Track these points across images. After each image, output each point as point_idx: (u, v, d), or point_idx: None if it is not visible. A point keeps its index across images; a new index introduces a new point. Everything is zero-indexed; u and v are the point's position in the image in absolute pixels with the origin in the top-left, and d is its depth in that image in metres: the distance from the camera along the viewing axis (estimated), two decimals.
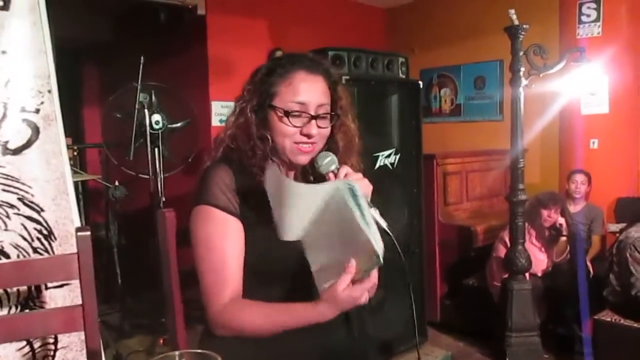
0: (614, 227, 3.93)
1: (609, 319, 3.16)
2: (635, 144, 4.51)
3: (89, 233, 1.23)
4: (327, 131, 1.34)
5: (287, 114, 1.27)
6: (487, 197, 4.47)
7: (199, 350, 0.87)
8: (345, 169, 1.25)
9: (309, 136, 1.28)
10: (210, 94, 4.83)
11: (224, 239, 1.26)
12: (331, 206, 1.13)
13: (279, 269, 1.28)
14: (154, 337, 3.54)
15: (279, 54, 5.32)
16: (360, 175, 1.26)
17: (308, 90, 1.29)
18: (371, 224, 1.09)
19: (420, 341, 2.66)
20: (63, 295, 1.65)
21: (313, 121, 1.28)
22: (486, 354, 3.60)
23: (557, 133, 4.85)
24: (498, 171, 4.49)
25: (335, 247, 1.14)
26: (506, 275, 3.51)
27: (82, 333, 1.25)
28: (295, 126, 1.27)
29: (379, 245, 1.07)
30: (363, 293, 1.13)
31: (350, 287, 1.12)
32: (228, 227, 1.26)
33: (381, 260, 1.08)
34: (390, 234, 1.16)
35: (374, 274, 1.14)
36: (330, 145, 1.36)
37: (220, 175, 1.29)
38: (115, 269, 3.81)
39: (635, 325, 3.04)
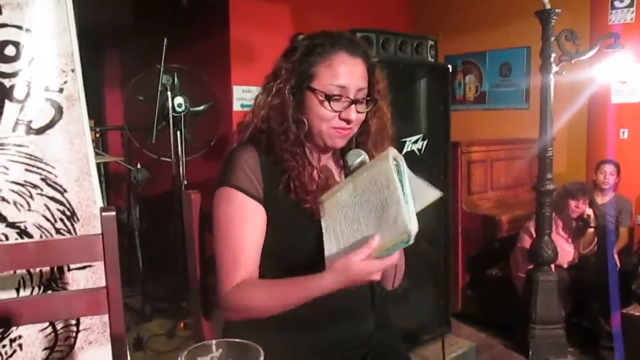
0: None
1: (637, 313, 3.08)
2: None
3: (114, 213, 1.20)
4: (364, 116, 1.30)
5: (329, 97, 1.23)
6: (512, 187, 4.38)
7: (238, 340, 0.82)
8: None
9: (348, 121, 1.24)
10: (232, 79, 4.79)
11: (243, 223, 1.22)
12: (375, 176, 1.10)
13: (298, 256, 1.25)
14: (174, 320, 3.54)
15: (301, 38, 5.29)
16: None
17: (348, 73, 1.24)
18: (410, 202, 1.06)
19: (445, 332, 2.60)
20: (86, 277, 1.64)
21: (352, 106, 1.25)
22: (509, 346, 3.53)
23: (585, 122, 4.74)
24: (523, 160, 4.39)
25: (362, 223, 1.11)
26: (531, 266, 3.44)
27: (105, 316, 1.23)
28: (335, 110, 1.23)
29: (412, 225, 1.03)
30: (379, 269, 1.08)
31: (367, 261, 1.07)
32: (249, 211, 1.23)
33: (411, 239, 1.03)
34: (412, 236, 1.07)
35: (395, 254, 1.08)
36: (363, 129, 1.32)
37: (245, 157, 1.25)
38: (136, 253, 3.81)
39: None
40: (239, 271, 1.21)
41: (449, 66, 2.51)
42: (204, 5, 4.86)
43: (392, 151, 1.12)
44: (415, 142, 2.32)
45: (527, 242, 3.53)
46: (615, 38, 3.42)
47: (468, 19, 5.67)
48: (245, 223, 1.22)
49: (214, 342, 0.81)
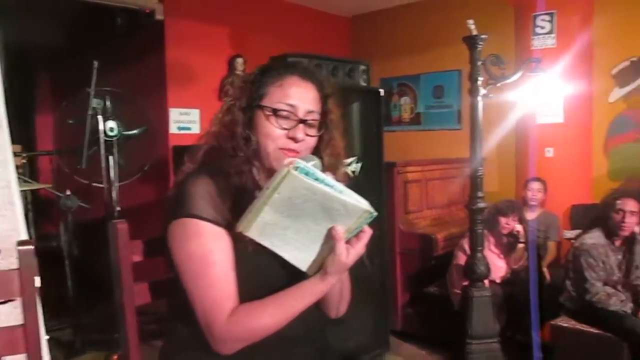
0: (569, 233, 4.02)
1: (565, 324, 3.22)
2: (589, 152, 4.65)
3: (32, 247, 1.14)
4: (313, 141, 1.31)
5: (275, 112, 1.24)
6: (448, 205, 4.50)
7: None
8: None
9: (295, 140, 1.25)
10: (168, 101, 4.72)
11: (219, 252, 1.19)
12: (296, 193, 1.11)
13: (267, 279, 1.24)
14: (107, 353, 3.40)
15: (239, 61, 5.29)
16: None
17: (298, 95, 1.27)
18: (342, 188, 1.11)
19: (382, 351, 2.62)
20: (6, 312, 1.56)
21: (300, 125, 1.26)
22: None
23: (513, 142, 4.96)
24: (458, 179, 4.53)
25: (314, 226, 1.15)
26: (466, 283, 3.53)
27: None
28: (282, 127, 1.25)
29: (362, 202, 1.12)
30: (363, 247, 1.19)
31: (351, 249, 1.16)
32: (220, 240, 1.20)
33: (373, 211, 1.13)
34: (373, 211, 1.17)
35: (366, 228, 1.17)
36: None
37: (203, 185, 1.22)
38: (66, 282, 3.64)
39: (591, 330, 3.10)
40: (228, 301, 1.18)
41: (381, 90, 2.57)
42: (139, 27, 4.80)
43: (286, 162, 1.11)
44: (350, 164, 2.36)
45: (461, 259, 3.63)
46: (536, 62, 3.61)
47: (403, 43, 5.87)
48: (219, 252, 1.19)
49: None
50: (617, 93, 4.58)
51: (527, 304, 3.51)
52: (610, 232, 3.16)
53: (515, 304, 3.67)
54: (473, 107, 3.47)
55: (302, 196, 1.10)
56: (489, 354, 3.46)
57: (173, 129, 4.72)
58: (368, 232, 1.18)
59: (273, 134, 1.25)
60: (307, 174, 1.09)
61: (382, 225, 2.61)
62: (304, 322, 1.25)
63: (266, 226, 1.14)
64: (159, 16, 4.70)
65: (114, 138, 3.19)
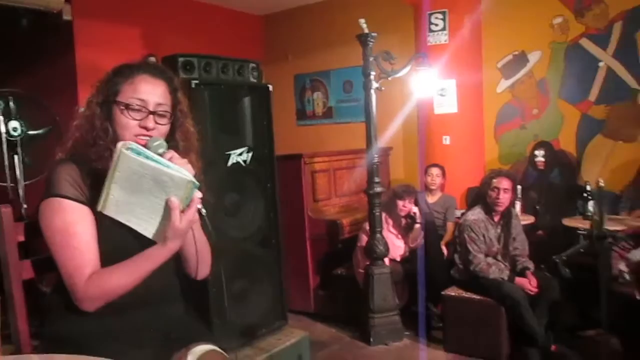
0: (459, 212, 4.38)
1: (453, 294, 3.55)
2: (481, 139, 5.07)
3: None
4: (165, 129, 1.50)
5: (127, 106, 1.43)
6: (355, 193, 4.77)
7: None
8: (171, 153, 1.41)
9: (146, 128, 1.44)
10: (79, 101, 4.74)
11: (80, 225, 1.38)
12: (128, 169, 1.31)
13: (125, 249, 1.41)
14: None
15: (152, 60, 5.36)
16: (185, 160, 1.42)
17: (148, 90, 1.46)
18: (169, 164, 1.33)
19: (281, 325, 2.85)
20: None
21: (151, 116, 1.45)
22: (355, 337, 3.87)
23: (416, 131, 5.32)
24: (363, 168, 4.82)
25: (154, 200, 1.35)
26: (368, 262, 3.82)
27: None
28: (134, 119, 1.44)
29: (187, 174, 1.34)
30: (195, 213, 1.39)
31: (183, 216, 1.36)
32: (79, 214, 1.39)
33: (196, 182, 1.35)
34: (195, 181, 1.37)
35: (196, 194, 1.37)
36: (171, 144, 1.51)
37: (66, 169, 1.41)
38: None
39: (475, 296, 3.44)
40: (87, 267, 1.37)
41: (270, 85, 2.78)
42: (47, 28, 4.77)
43: (120, 144, 1.33)
44: (240, 154, 2.56)
45: (364, 240, 3.92)
46: (423, 57, 3.94)
47: (314, 40, 6.12)
48: (79, 224, 1.38)
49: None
50: (504, 84, 5.03)
51: (424, 279, 3.84)
52: (489, 209, 3.52)
53: (414, 279, 3.99)
54: (367, 100, 3.77)
55: (136, 172, 1.31)
56: (390, 327, 3.78)
57: None
58: (196, 200, 1.38)
59: (127, 125, 1.44)
60: (138, 153, 1.31)
61: (274, 209, 2.82)
62: (161, 284, 1.49)
63: (118, 203, 1.35)
64: (66, 17, 4.70)
65: (18, 137, 3.24)
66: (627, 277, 3.33)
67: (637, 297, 2.96)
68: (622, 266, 3.38)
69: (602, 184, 3.03)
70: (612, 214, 4.04)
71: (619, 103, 4.51)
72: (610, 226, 3.42)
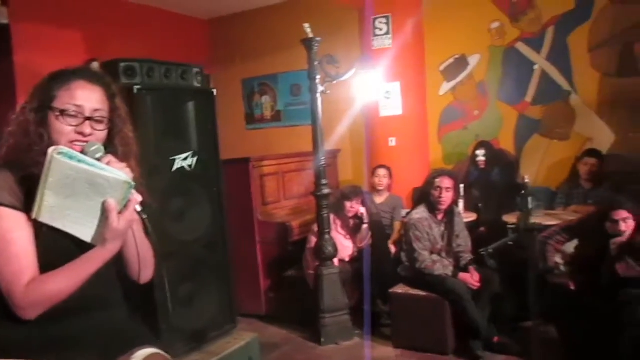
0: (404, 212, 4.50)
1: (400, 291, 3.65)
2: (425, 140, 5.22)
3: None
4: (103, 134, 1.50)
5: (63, 112, 1.42)
6: (305, 195, 4.79)
7: None
8: (109, 157, 1.41)
9: (83, 134, 1.43)
10: (17, 106, 4.59)
11: (16, 232, 1.36)
12: (60, 175, 1.31)
13: (63, 254, 1.40)
14: None
15: (95, 64, 5.24)
16: (124, 164, 1.42)
17: (84, 96, 1.45)
18: (104, 166, 1.35)
19: (230, 328, 2.86)
20: None
21: (87, 122, 1.44)
22: (306, 337, 3.92)
23: (363, 134, 5.42)
24: (312, 171, 4.87)
25: (90, 203, 1.35)
26: (317, 263, 3.87)
27: None
28: (70, 125, 1.43)
29: (122, 175, 1.35)
30: (132, 214, 1.39)
31: (121, 217, 1.37)
32: (18, 221, 1.37)
33: (132, 182, 1.36)
34: (131, 181, 1.37)
35: (134, 195, 1.39)
36: (109, 149, 1.51)
37: (2, 177, 1.39)
38: None
39: (420, 293, 3.55)
40: (25, 274, 1.35)
41: (214, 90, 2.79)
42: None
43: (51, 150, 1.33)
44: (185, 159, 2.56)
45: (313, 242, 3.97)
46: (366, 60, 4.03)
47: (260, 44, 6.14)
48: (16, 231, 1.37)
49: None
50: (446, 87, 5.19)
51: (373, 277, 3.93)
52: (432, 207, 3.64)
53: (363, 278, 4.07)
54: (313, 103, 3.82)
55: (70, 177, 1.31)
56: (341, 325, 3.84)
57: None
58: (134, 200, 1.39)
59: (63, 130, 1.43)
60: (70, 157, 1.31)
61: (221, 212, 2.84)
62: (102, 288, 1.49)
63: (53, 209, 1.34)
64: (3, 20, 4.56)
65: None
66: (563, 268, 3.51)
67: (572, 288, 3.13)
68: (558, 258, 3.55)
69: (527, 180, 3.21)
70: (548, 209, 4.26)
71: (553, 103, 4.74)
72: (546, 221, 3.60)
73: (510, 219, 3.90)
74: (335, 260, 3.91)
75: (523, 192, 4.02)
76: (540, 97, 4.79)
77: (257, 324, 4.25)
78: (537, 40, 4.77)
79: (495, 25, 4.92)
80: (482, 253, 3.18)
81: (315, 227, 3.96)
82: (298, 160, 4.82)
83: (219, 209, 2.80)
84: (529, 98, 4.84)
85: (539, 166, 4.78)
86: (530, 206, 3.57)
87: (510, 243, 3.22)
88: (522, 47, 4.85)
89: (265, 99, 6.21)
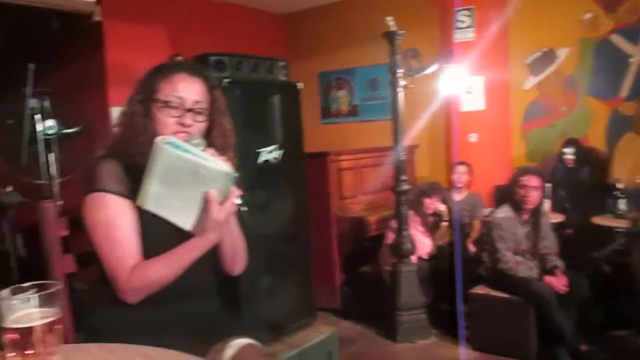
0: (487, 211, 4.35)
1: (480, 292, 3.53)
2: (508, 136, 5.03)
3: None
4: (203, 125, 1.54)
5: (166, 104, 1.48)
6: (381, 191, 4.78)
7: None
8: (211, 150, 1.44)
9: (184, 125, 1.48)
10: (109, 100, 4.83)
11: (122, 219, 1.43)
12: (170, 164, 1.34)
13: (165, 241, 1.44)
14: None
15: (179, 59, 5.42)
16: (223, 157, 1.44)
17: (185, 88, 1.50)
18: (207, 157, 1.36)
19: (310, 321, 2.88)
20: None
21: (189, 113, 1.49)
22: (381, 334, 3.88)
23: (443, 129, 5.30)
24: (388, 166, 4.82)
25: (192, 193, 1.37)
26: (395, 260, 3.83)
27: None
28: (172, 116, 1.48)
29: (225, 166, 1.36)
30: (233, 205, 1.41)
31: (221, 208, 1.38)
32: (124, 208, 1.44)
33: (234, 173, 1.36)
34: (233, 173, 1.38)
35: (233, 188, 1.40)
36: (208, 141, 1.54)
37: (108, 165, 1.46)
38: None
39: (502, 295, 3.42)
40: (130, 259, 1.41)
41: (299, 83, 2.80)
42: (78, 29, 4.88)
43: (159, 139, 1.36)
44: (271, 152, 2.59)
45: (391, 238, 3.93)
46: (451, 54, 3.93)
47: (338, 39, 6.13)
48: (122, 217, 1.43)
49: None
50: (531, 81, 4.98)
51: (451, 276, 3.83)
52: (517, 207, 3.49)
53: (441, 277, 3.98)
54: (394, 98, 3.77)
55: (175, 166, 1.34)
56: (417, 324, 3.78)
57: None
58: (234, 191, 1.41)
59: (165, 121, 1.48)
60: (177, 147, 1.33)
61: (303, 207, 2.85)
62: (198, 278, 1.52)
63: (157, 197, 1.38)
64: (97, 18, 4.79)
65: (53, 136, 3.32)
66: None
67: None
68: None
69: (620, 181, 3.01)
70: None
71: None
72: None
73: (603, 221, 3.69)
74: (413, 258, 3.85)
75: (615, 193, 3.83)
76: (637, 91, 4.49)
77: (331, 317, 4.24)
78: (634, 31, 4.47)
79: (588, 16, 4.66)
80: (597, 258, 3.03)
81: (393, 223, 3.92)
82: (375, 155, 4.77)
83: (302, 203, 2.81)
84: (623, 93, 4.55)
85: (632, 165, 4.49)
86: (624, 209, 3.38)
87: (620, 248, 3.05)
88: (616, 39, 4.57)
89: (342, 94, 6.20)
